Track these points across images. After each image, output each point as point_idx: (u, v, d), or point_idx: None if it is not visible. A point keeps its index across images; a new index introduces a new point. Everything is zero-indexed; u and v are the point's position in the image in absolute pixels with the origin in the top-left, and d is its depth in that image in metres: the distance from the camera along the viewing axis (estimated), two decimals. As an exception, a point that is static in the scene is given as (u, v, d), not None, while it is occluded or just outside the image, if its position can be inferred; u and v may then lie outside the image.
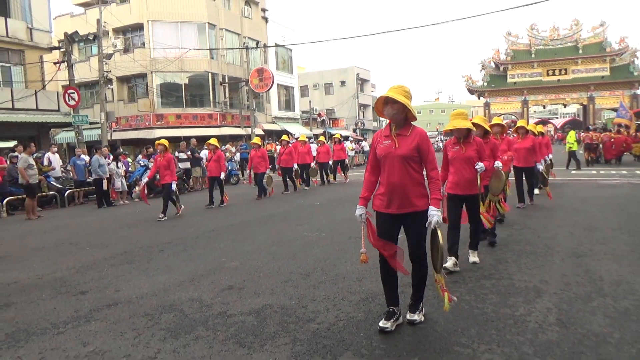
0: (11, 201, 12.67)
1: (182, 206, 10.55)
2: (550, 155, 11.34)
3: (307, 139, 16.00)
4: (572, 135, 18.63)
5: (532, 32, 43.73)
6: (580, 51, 41.70)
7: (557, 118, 73.66)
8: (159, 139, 11.97)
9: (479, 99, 47.60)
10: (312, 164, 15.22)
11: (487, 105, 44.72)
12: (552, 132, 53.59)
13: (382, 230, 3.52)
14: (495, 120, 7.28)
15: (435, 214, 3.35)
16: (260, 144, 13.26)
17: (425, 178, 3.50)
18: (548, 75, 42.96)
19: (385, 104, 3.47)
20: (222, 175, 11.55)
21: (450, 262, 4.93)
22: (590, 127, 26.15)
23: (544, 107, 53.37)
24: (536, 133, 9.98)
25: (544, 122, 52.64)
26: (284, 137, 14.81)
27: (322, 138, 17.54)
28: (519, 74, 43.64)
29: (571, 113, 75.38)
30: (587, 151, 20.55)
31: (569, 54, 42.18)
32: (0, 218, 12.07)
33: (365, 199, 3.60)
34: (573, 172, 16.91)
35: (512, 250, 5.77)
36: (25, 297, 4.85)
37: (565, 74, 42.43)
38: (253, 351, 3.29)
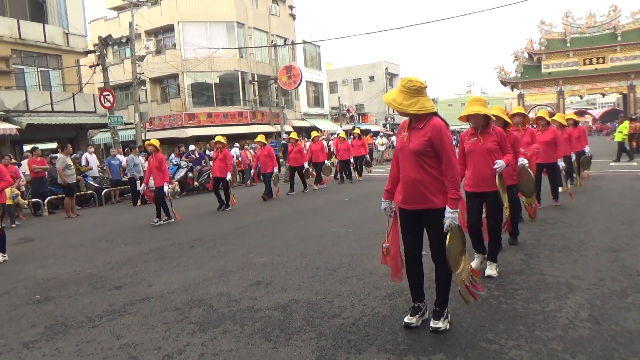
0: (52, 200, 13.18)
1: (175, 215, 9.69)
2: (588, 148, 10.39)
3: (320, 136, 15.41)
4: (626, 126, 17.94)
5: (567, 20, 42.34)
6: (619, 38, 40.10)
7: (595, 108, 71.21)
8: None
9: (512, 90, 46.49)
10: (326, 162, 14.62)
11: (520, 96, 43.63)
12: (591, 123, 51.93)
13: (404, 226, 3.49)
14: (515, 110, 6.69)
15: (449, 217, 3.21)
16: (264, 142, 12.58)
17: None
18: (585, 64, 41.53)
19: None
20: (228, 176, 10.77)
21: (476, 261, 4.75)
22: (632, 116, 25.21)
23: (581, 97, 51.59)
24: (564, 124, 8.96)
25: (581, 112, 51.05)
26: (293, 134, 14.16)
27: (342, 134, 16.73)
28: (554, 63, 42.35)
29: (610, 103, 72.70)
30: (631, 141, 19.88)
31: (606, 41, 40.63)
32: (42, 216, 12.56)
33: (389, 192, 3.55)
34: (612, 163, 16.34)
35: (544, 245, 5.64)
36: (64, 292, 5.05)
37: (603, 62, 40.92)
38: (279, 345, 3.33)
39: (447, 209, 3.23)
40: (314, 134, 15.23)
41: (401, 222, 3.53)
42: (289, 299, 4.30)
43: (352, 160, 15.87)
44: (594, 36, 41.33)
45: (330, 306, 4.03)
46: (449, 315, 3.49)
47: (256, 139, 12.89)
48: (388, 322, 3.61)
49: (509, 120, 5.34)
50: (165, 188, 9.48)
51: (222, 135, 11.94)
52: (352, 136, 16.74)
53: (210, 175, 12.17)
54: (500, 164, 4.44)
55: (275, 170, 12.27)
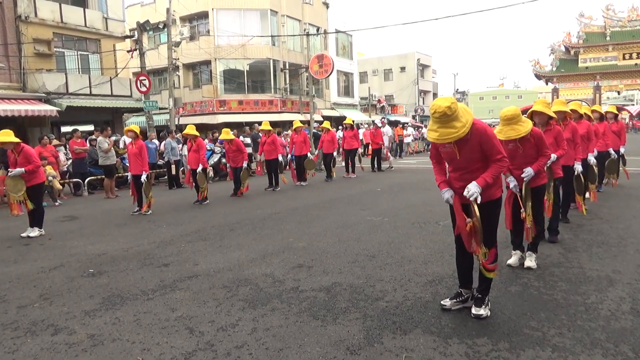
0: (91, 181, 13.66)
1: (148, 209, 9.14)
2: (622, 149, 9.48)
3: (302, 125, 13.82)
4: None
5: (608, 13, 41.00)
6: (663, 32, 38.69)
7: (633, 105, 68.96)
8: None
9: (546, 84, 45.43)
10: (309, 155, 13.18)
11: (555, 91, 42.57)
12: (628, 120, 50.43)
13: (459, 216, 3.61)
14: (556, 105, 6.15)
15: (473, 189, 3.31)
16: (232, 137, 11.11)
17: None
18: (624, 59, 40.22)
19: None
20: (200, 168, 10.10)
21: (514, 258, 4.74)
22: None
23: (619, 93, 50.02)
24: (592, 117, 8.02)
25: (618, 108, 49.55)
26: (264, 124, 12.60)
27: (326, 124, 14.76)
28: (592, 58, 41.14)
29: (649, 99, 70.31)
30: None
31: (648, 35, 39.25)
32: (82, 196, 13.04)
33: (444, 183, 3.61)
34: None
35: (582, 240, 5.65)
36: (115, 267, 5.33)
37: (644, 57, 39.56)
38: (327, 323, 3.50)
39: (474, 183, 3.34)
40: (296, 123, 13.62)
41: (456, 211, 3.58)
42: (331, 281, 4.46)
43: (335, 154, 14.25)
44: (636, 30, 39.96)
45: (372, 290, 4.18)
46: (490, 303, 3.60)
47: (221, 135, 11.46)
48: (431, 307, 3.74)
49: (552, 114, 5.22)
50: (143, 177, 9.08)
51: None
52: (344, 127, 15.00)
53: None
54: (527, 172, 4.36)
55: (245, 164, 11.08)
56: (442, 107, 3.15)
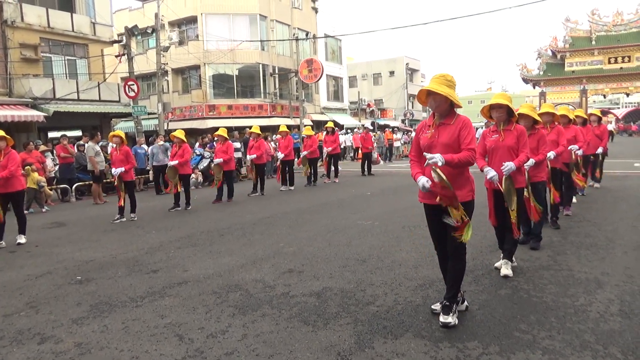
0: (78, 187, 13.51)
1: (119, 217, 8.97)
2: (600, 149, 9.33)
3: (287, 131, 13.50)
4: None
5: (593, 18, 41.58)
6: (647, 37, 39.30)
7: (618, 108, 69.94)
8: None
9: (534, 88, 45.92)
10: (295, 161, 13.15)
11: (542, 94, 43.04)
12: (614, 123, 51.12)
13: (430, 224, 3.65)
14: (544, 108, 6.30)
15: (435, 155, 3.27)
16: (226, 136, 11.20)
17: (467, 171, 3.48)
18: (610, 63, 40.79)
19: (428, 96, 3.48)
20: (174, 163, 9.89)
21: (502, 261, 4.64)
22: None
23: (605, 96, 50.68)
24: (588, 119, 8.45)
25: (604, 112, 50.20)
26: (254, 127, 12.56)
27: (307, 129, 14.58)
28: (578, 62, 41.67)
29: (634, 102, 71.38)
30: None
31: (633, 40, 39.80)
32: (70, 202, 12.90)
33: (420, 173, 3.52)
34: (636, 164, 16.13)
35: (570, 242, 5.69)
36: (103, 274, 5.27)
37: (629, 61, 40.11)
38: (317, 329, 3.48)
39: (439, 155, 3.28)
40: (282, 127, 13.40)
41: (427, 220, 3.67)
42: (322, 286, 4.45)
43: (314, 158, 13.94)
44: (621, 34, 40.57)
45: (363, 294, 4.17)
46: (458, 311, 3.53)
47: (216, 132, 11.41)
48: (421, 310, 3.73)
49: (538, 118, 5.33)
50: (117, 171, 8.87)
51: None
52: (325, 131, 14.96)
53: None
54: (508, 166, 4.29)
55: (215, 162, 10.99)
56: (444, 73, 3.50)
